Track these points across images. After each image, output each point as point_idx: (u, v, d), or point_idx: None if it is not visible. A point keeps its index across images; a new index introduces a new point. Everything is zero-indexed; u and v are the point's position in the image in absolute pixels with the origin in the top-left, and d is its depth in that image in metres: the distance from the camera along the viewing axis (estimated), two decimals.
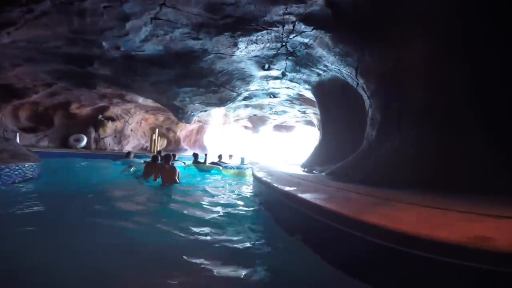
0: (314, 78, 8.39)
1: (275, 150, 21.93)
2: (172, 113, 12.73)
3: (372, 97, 6.18)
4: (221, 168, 10.07)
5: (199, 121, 20.04)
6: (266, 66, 7.96)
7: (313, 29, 6.00)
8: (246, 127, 21.79)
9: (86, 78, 10.59)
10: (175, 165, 7.37)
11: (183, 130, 21.51)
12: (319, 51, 6.73)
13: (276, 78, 9.31)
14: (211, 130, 21.69)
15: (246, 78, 9.53)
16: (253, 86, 10.35)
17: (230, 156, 12.96)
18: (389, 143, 5.47)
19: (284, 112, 14.71)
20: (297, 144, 23.77)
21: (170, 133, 20.96)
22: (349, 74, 6.62)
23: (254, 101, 12.71)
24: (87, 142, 15.61)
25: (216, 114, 17.66)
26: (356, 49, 5.95)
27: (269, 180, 5.10)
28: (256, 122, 17.90)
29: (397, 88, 5.59)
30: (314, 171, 7.45)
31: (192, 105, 10.98)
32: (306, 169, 8.24)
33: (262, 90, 10.93)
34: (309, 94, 9.97)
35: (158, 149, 17.73)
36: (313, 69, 7.76)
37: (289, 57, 7.57)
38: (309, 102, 12.18)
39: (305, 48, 6.95)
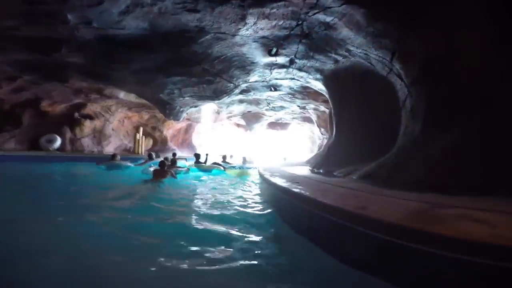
0: (328, 66, 7.13)
1: (270, 148, 20.66)
2: (158, 109, 11.15)
3: (413, 85, 5.04)
4: (223, 168, 9.65)
5: (187, 119, 18.47)
6: (274, 50, 6.63)
7: (342, 4, 4.74)
8: (238, 125, 20.40)
9: (55, 69, 8.92)
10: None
11: (170, 129, 19.85)
12: (343, 32, 5.47)
13: (282, 66, 7.99)
14: (201, 129, 20.14)
15: (246, 67, 8.16)
16: (253, 77, 8.99)
17: (231, 156, 12.21)
18: (441, 139, 4.32)
19: (282, 108, 13.43)
20: (292, 142, 22.62)
21: (156, 132, 19.26)
22: (380, 59, 5.43)
23: (251, 96, 11.35)
24: (61, 143, 13.72)
25: (207, 110, 16.17)
26: (397, 29, 4.76)
27: (298, 190, 3.77)
28: (251, 119, 16.53)
29: (449, 75, 4.46)
30: (334, 174, 6.20)
31: (182, 99, 9.48)
32: (321, 171, 6.99)
33: (263, 82, 9.59)
34: (317, 86, 8.72)
35: (143, 150, 16.03)
36: (330, 54, 6.49)
37: (303, 40, 6.26)
38: (313, 96, 10.97)
39: (325, 29, 5.67)
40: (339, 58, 6.52)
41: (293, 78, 9.10)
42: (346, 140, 7.43)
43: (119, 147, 16.93)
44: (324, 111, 13.10)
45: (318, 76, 7.95)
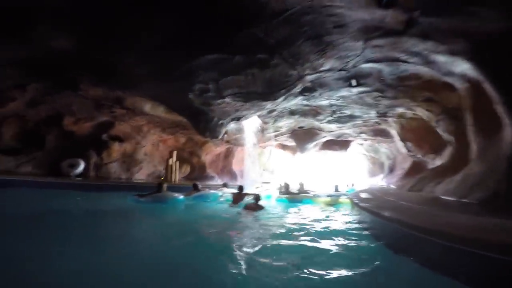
0: (490, 25, 3.45)
1: (325, 173, 16.58)
2: (191, 123, 8.11)
3: None
4: (311, 197, 8.49)
5: (226, 142, 15.45)
6: None
7: None
8: (284, 146, 16.84)
9: (60, 70, 6.48)
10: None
11: (208, 154, 16.94)
12: None
13: (389, 33, 4.58)
14: (243, 153, 16.91)
15: (324, 37, 4.82)
16: (329, 61, 5.58)
17: (301, 184, 9.93)
18: None
19: (351, 118, 9.64)
20: (346, 164, 18.28)
21: (194, 157, 16.42)
22: None
23: (314, 99, 7.81)
24: (84, 169, 11.34)
25: (249, 128, 12.97)
26: None
27: None
28: (302, 138, 12.89)
29: None
30: None
31: (221, 102, 6.28)
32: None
33: (341, 71, 6.09)
34: (446, 67, 5.06)
35: (177, 177, 13.07)
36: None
37: None
38: (412, 93, 7.14)
39: None
40: None
41: (397, 59, 5.53)
42: None
43: (152, 174, 14.25)
44: (415, 119, 9.03)
45: (459, 47, 4.27)
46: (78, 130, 11.61)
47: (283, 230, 4.28)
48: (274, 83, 5.57)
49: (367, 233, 3.86)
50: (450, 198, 4.32)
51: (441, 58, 5.31)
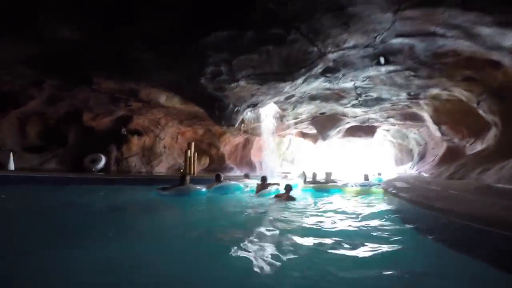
0: None
1: (349, 162, 15.78)
2: (206, 111, 7.73)
3: None
4: (340, 186, 8.20)
5: (244, 132, 15.06)
6: None
7: None
8: (304, 134, 16.17)
9: (71, 64, 6.33)
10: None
11: (227, 145, 16.68)
12: None
13: (425, 2, 3.89)
14: (261, 143, 16.47)
15: (347, 9, 4.17)
16: (354, 36, 4.90)
17: (328, 173, 9.66)
18: None
19: (378, 101, 8.80)
20: (370, 152, 17.27)
21: (212, 149, 16.24)
22: None
23: (337, 81, 7.10)
24: (106, 164, 11.45)
25: (267, 116, 12.46)
26: None
27: None
28: (324, 124, 12.17)
29: None
30: None
31: (235, 85, 5.79)
32: None
33: (367, 47, 5.36)
34: (493, 39, 4.27)
35: (196, 169, 12.91)
36: None
37: None
38: (450, 71, 6.28)
39: None
40: None
41: (432, 33, 4.79)
42: None
43: (172, 167, 14.22)
44: (451, 100, 8.08)
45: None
46: (97, 125, 11.71)
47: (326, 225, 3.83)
48: (292, 62, 4.98)
49: (411, 226, 3.32)
50: (507, 186, 3.62)
51: (486, 31, 4.52)
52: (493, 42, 4.84)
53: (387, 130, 15.05)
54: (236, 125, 7.97)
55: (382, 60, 5.89)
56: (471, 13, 4.29)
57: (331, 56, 5.58)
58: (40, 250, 2.57)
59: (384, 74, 6.62)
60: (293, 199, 6.04)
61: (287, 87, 6.13)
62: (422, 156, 13.44)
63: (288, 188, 6.34)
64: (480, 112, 7.16)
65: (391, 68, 6.26)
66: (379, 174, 10.91)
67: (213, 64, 4.91)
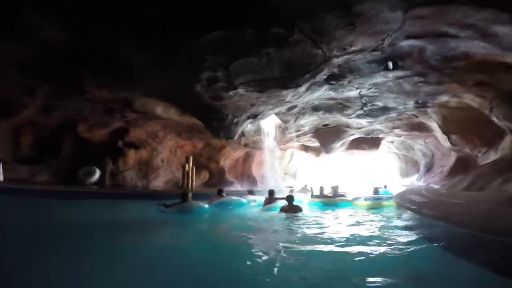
0: None
1: (352, 175, 15.24)
2: (202, 122, 7.35)
3: None
4: (350, 200, 8.06)
5: (245, 145, 14.64)
6: None
7: None
8: (306, 148, 15.73)
9: (62, 69, 6.02)
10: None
11: (227, 159, 16.20)
12: None
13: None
14: (263, 156, 15.98)
15: (354, 6, 3.87)
16: (360, 38, 4.58)
17: (335, 187, 9.30)
18: None
19: (385, 110, 8.41)
20: (380, 165, 16.73)
21: (212, 163, 15.75)
22: None
23: (342, 89, 6.74)
24: (100, 177, 10.98)
25: (268, 129, 12.10)
26: None
27: None
28: (327, 137, 11.76)
29: None
30: None
31: (233, 94, 5.43)
32: None
33: (374, 52, 5.05)
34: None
35: (194, 184, 12.38)
36: None
37: None
38: (460, 75, 5.94)
39: None
40: None
41: (444, 34, 4.51)
42: None
43: (170, 181, 13.69)
44: (460, 108, 7.71)
45: None
46: (93, 137, 11.33)
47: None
48: (295, 66, 4.64)
49: (438, 246, 2.82)
50: None
51: (503, 30, 4.21)
52: (511, 43, 4.51)
53: (392, 142, 14.62)
54: (235, 138, 7.56)
55: (390, 65, 5.56)
56: (486, 10, 3.98)
57: (337, 61, 5.25)
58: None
59: (391, 81, 6.27)
60: (300, 209, 5.98)
61: (289, 96, 5.76)
62: (429, 168, 12.94)
63: (290, 199, 6.29)
64: (493, 119, 6.77)
65: (399, 73, 5.92)
66: (385, 186, 10.37)
67: (209, 69, 4.55)
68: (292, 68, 4.69)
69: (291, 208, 5.98)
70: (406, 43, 5.12)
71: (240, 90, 5.22)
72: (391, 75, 5.95)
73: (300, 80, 5.11)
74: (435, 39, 4.99)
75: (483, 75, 6.10)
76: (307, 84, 5.54)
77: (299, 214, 5.80)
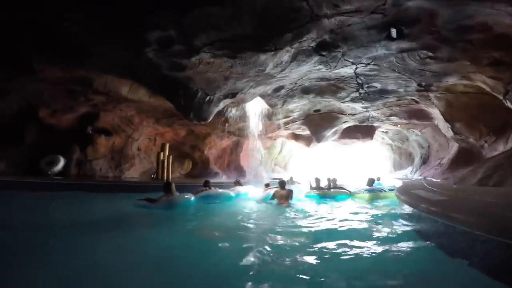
0: None
1: (343, 167, 14.36)
2: (167, 99, 6.21)
3: None
4: (349, 192, 7.63)
5: (230, 133, 13.54)
6: None
7: None
8: (296, 136, 14.73)
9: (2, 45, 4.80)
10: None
11: (212, 148, 15.10)
12: None
13: None
14: (252, 145, 14.91)
15: None
16: None
17: (333, 179, 8.62)
18: None
19: (382, 93, 7.39)
20: (363, 156, 15.89)
21: (196, 152, 14.66)
22: None
23: (337, 59, 5.63)
24: (65, 166, 9.79)
25: (254, 114, 11.04)
26: None
27: None
28: (318, 124, 10.74)
29: None
30: None
31: (195, 59, 4.31)
32: None
33: (374, 13, 3.98)
34: None
35: (170, 175, 11.28)
36: None
37: None
38: (476, 51, 4.93)
39: None
40: None
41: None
42: None
43: (148, 172, 12.54)
44: (467, 93, 6.76)
45: None
46: (58, 123, 10.08)
47: None
48: (272, 20, 3.53)
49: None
50: None
51: None
52: None
53: (385, 132, 13.74)
54: (210, 119, 6.45)
55: (393, 32, 4.50)
56: None
57: (328, 23, 4.15)
58: None
59: (394, 54, 5.21)
60: (291, 193, 6.12)
61: (270, 65, 4.65)
62: (424, 160, 12.12)
63: (282, 183, 6.31)
64: (508, 104, 5.82)
65: (404, 45, 4.86)
66: (378, 179, 9.55)
67: (158, 28, 3.41)
68: (268, 23, 3.57)
69: (283, 196, 6.02)
70: (414, 3, 4.06)
71: (205, 56, 4.08)
72: (394, 46, 4.89)
73: (280, 41, 3.99)
74: (450, 0, 3.95)
75: (502, 52, 5.13)
76: (291, 51, 4.44)
77: (291, 202, 5.87)
